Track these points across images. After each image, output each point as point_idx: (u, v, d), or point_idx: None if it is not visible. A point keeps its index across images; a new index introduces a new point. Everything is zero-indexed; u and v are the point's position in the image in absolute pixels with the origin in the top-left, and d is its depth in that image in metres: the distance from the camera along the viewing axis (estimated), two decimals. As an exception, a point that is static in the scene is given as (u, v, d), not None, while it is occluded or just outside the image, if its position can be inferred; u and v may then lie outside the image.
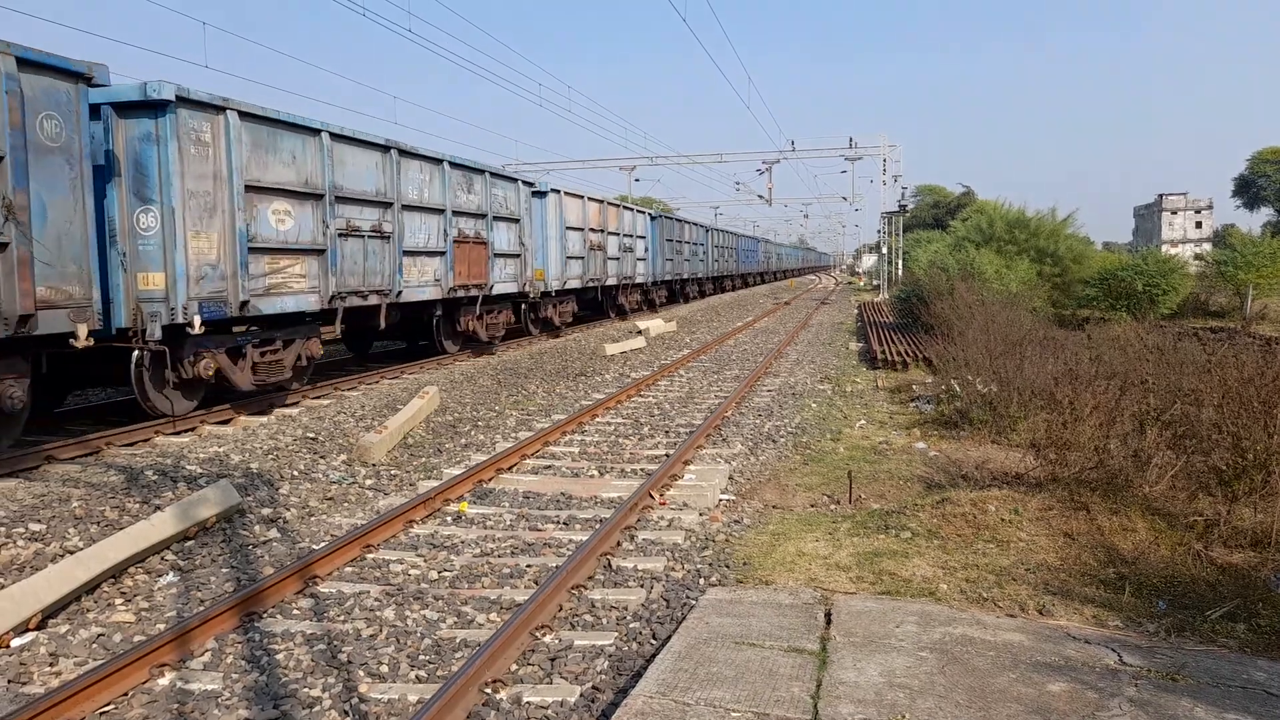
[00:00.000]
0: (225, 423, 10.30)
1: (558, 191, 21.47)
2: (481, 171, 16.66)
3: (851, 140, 42.01)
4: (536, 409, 12.36)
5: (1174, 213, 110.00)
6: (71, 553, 5.96)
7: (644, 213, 29.92)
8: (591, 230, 23.37)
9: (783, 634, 4.53)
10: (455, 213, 15.46)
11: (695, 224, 39.38)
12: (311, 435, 9.76)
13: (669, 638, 4.62)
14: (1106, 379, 7.86)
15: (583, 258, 22.76)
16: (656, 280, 31.36)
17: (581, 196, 23.02)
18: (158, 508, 6.92)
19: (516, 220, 18.32)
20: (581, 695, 4.32)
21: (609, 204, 25.32)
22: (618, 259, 26.03)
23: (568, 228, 21.48)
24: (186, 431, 9.73)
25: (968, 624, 4.71)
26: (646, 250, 29.70)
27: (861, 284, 70.11)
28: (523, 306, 20.01)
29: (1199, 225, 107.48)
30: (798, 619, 4.75)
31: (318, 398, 12.08)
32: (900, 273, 43.68)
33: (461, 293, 15.79)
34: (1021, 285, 21.64)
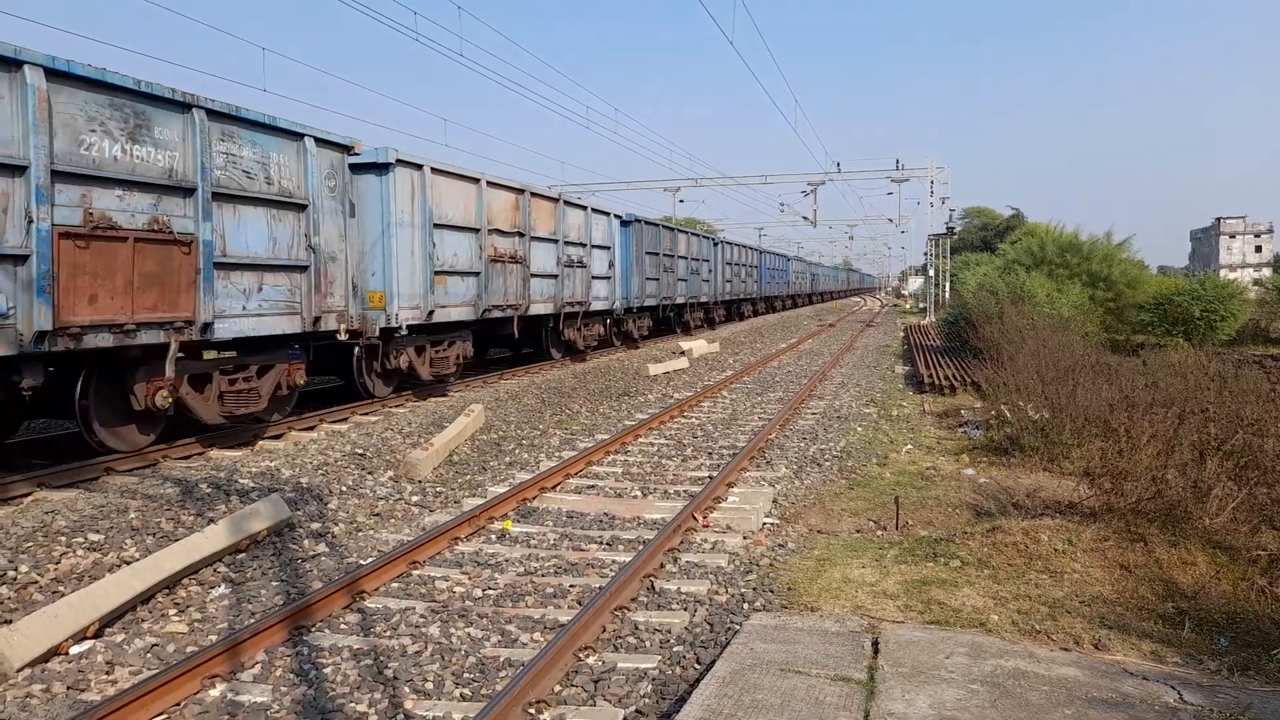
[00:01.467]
0: (278, 437, 10.50)
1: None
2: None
3: (898, 162, 41.67)
4: (580, 428, 12.40)
5: (1232, 236, 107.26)
6: (128, 563, 6.11)
7: (614, 216, 22.24)
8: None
9: (829, 662, 4.47)
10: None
11: (696, 234, 31.31)
12: (360, 451, 9.90)
13: (713, 662, 4.58)
14: (1164, 407, 7.66)
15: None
16: (632, 306, 23.25)
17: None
18: (211, 520, 7.07)
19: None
20: (625, 718, 4.30)
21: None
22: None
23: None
24: (239, 446, 9.94)
25: (1020, 656, 4.60)
26: (613, 266, 21.80)
27: (907, 306, 69.36)
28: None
29: (1259, 249, 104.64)
30: (844, 647, 4.69)
31: (366, 414, 12.26)
32: (947, 296, 43.13)
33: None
34: (1073, 310, 21.24)
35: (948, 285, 44.40)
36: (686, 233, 30.01)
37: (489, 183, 14.77)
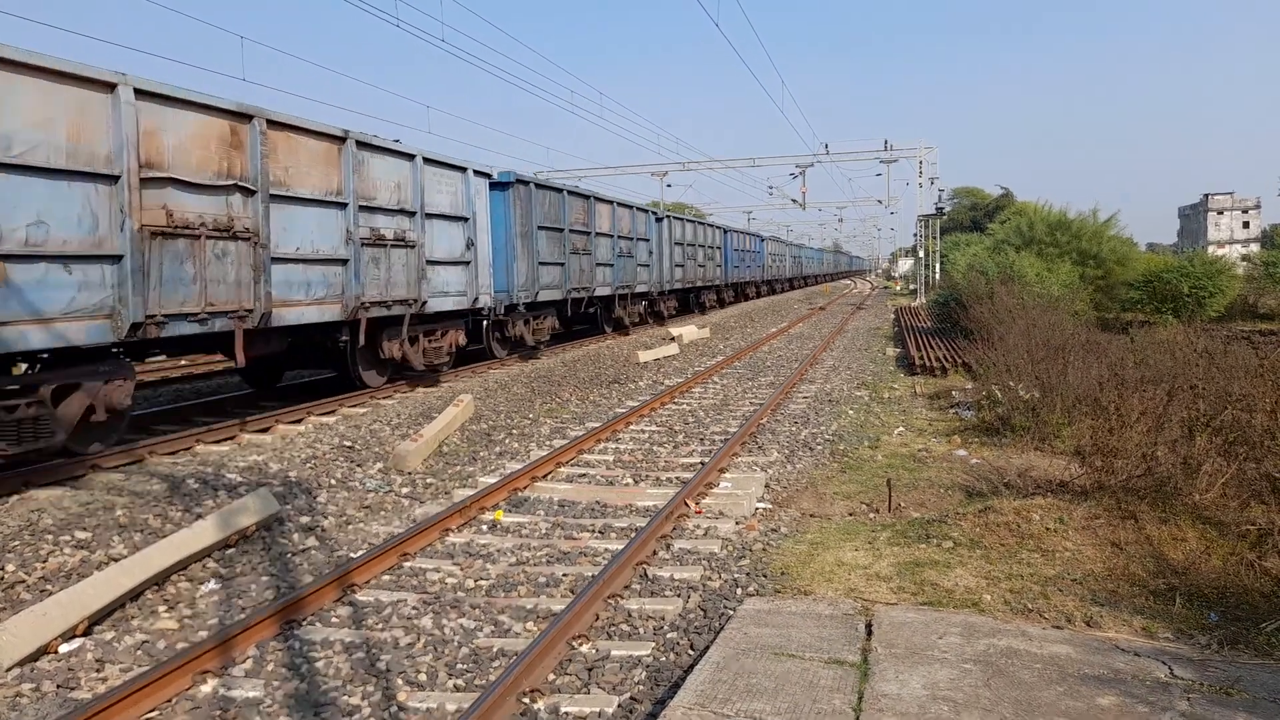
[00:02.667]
0: (265, 431, 10.44)
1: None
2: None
3: (887, 143, 41.59)
4: (570, 417, 12.37)
5: (1220, 213, 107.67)
6: (116, 560, 6.07)
7: (474, 173, 15.58)
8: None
9: (823, 645, 4.47)
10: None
11: (628, 206, 24.18)
12: (348, 444, 9.86)
13: (707, 648, 4.57)
14: (1153, 384, 7.68)
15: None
16: (517, 302, 17.35)
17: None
18: (199, 516, 7.03)
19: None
20: (619, 706, 4.29)
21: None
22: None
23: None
24: (226, 440, 9.88)
25: (1013, 635, 4.61)
26: (472, 246, 15.99)
27: (898, 288, 69.44)
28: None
29: (1246, 225, 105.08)
30: (838, 630, 4.69)
31: (354, 406, 12.20)
32: (937, 277, 43.19)
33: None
34: (1063, 288, 21.29)
35: (938, 266, 44.46)
36: (612, 203, 22.68)
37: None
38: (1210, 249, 54.47)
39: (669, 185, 47.02)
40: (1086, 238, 26.79)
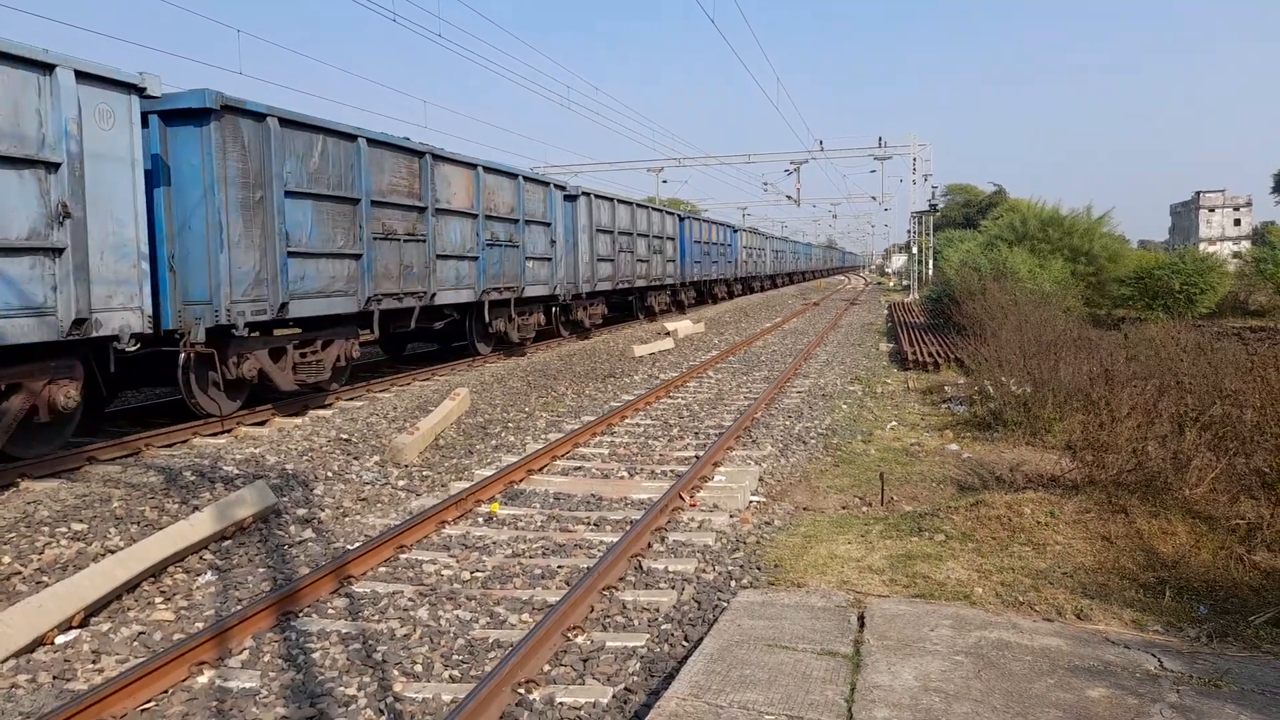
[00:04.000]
0: (262, 424, 10.44)
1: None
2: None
3: (881, 140, 41.65)
4: (566, 410, 12.39)
5: (1212, 210, 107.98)
6: (113, 552, 6.08)
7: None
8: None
9: (815, 637, 4.51)
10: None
11: (532, 179, 18.42)
12: (345, 437, 9.87)
13: (701, 640, 4.61)
14: (1144, 380, 7.73)
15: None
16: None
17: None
18: (196, 508, 7.04)
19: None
20: (614, 696, 4.33)
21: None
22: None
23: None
24: (223, 433, 9.88)
25: (1004, 628, 4.66)
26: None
27: (891, 284, 69.57)
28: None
29: (1237, 223, 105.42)
30: (830, 622, 4.73)
31: (352, 399, 12.21)
32: (930, 273, 43.28)
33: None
34: (1055, 285, 21.38)
35: (931, 262, 44.55)
36: (499, 173, 17.01)
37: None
38: (1202, 246, 54.70)
39: (664, 181, 46.97)
40: (1079, 234, 26.89)
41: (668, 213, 29.13)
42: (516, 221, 16.88)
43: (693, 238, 31.70)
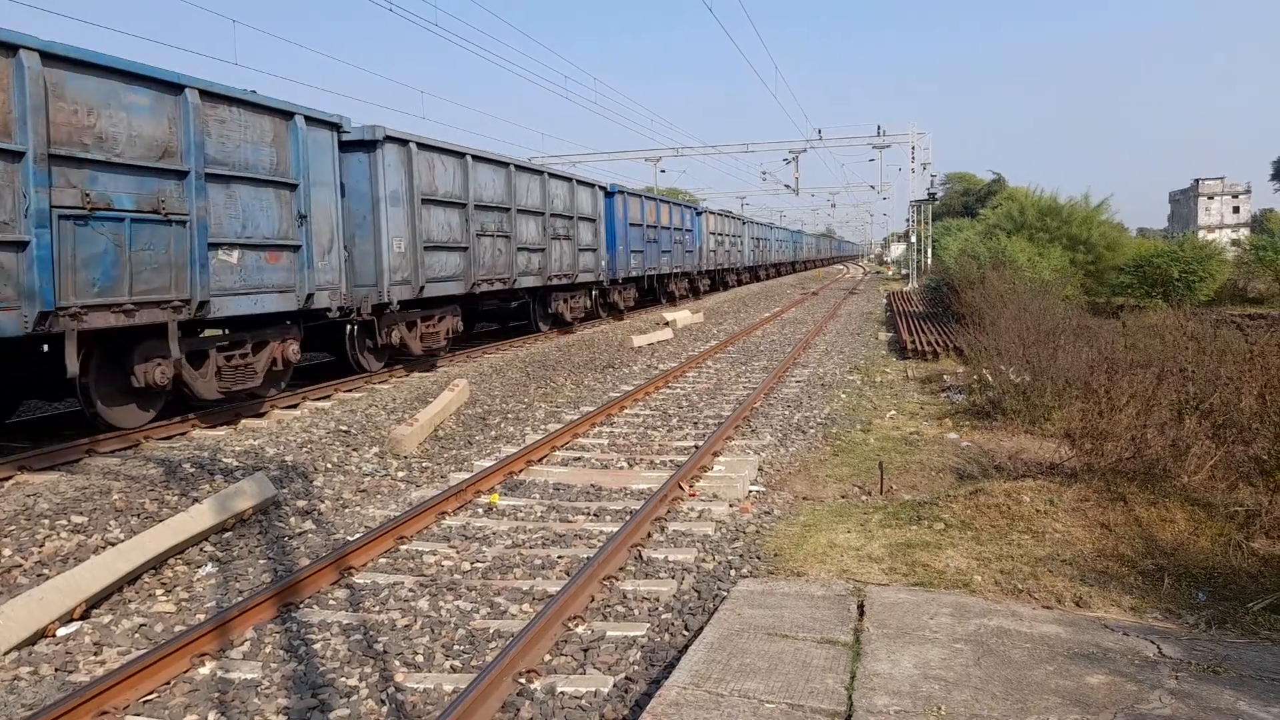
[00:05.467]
0: (261, 415, 10.44)
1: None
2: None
3: (880, 128, 41.47)
4: (565, 401, 12.40)
5: (1210, 197, 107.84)
6: (113, 544, 6.08)
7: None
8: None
9: (815, 625, 4.52)
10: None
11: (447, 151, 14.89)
12: (344, 428, 9.87)
13: (701, 629, 4.62)
14: (1143, 367, 7.73)
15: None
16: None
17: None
18: (196, 500, 7.04)
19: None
20: (615, 685, 4.34)
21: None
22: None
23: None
24: (223, 425, 9.88)
25: (1003, 615, 4.67)
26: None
27: (890, 273, 69.53)
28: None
29: (1236, 210, 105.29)
30: (830, 610, 4.74)
31: (350, 391, 12.20)
32: (929, 262, 43.25)
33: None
34: (1054, 273, 21.37)
35: (930, 251, 44.52)
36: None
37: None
38: (1200, 234, 54.64)
39: (663, 171, 46.89)
40: (1077, 223, 26.86)
41: (586, 184, 21.02)
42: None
43: (628, 219, 23.76)
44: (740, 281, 42.07)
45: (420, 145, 13.19)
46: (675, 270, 28.94)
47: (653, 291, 27.73)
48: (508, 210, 16.13)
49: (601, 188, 21.93)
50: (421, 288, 13.19)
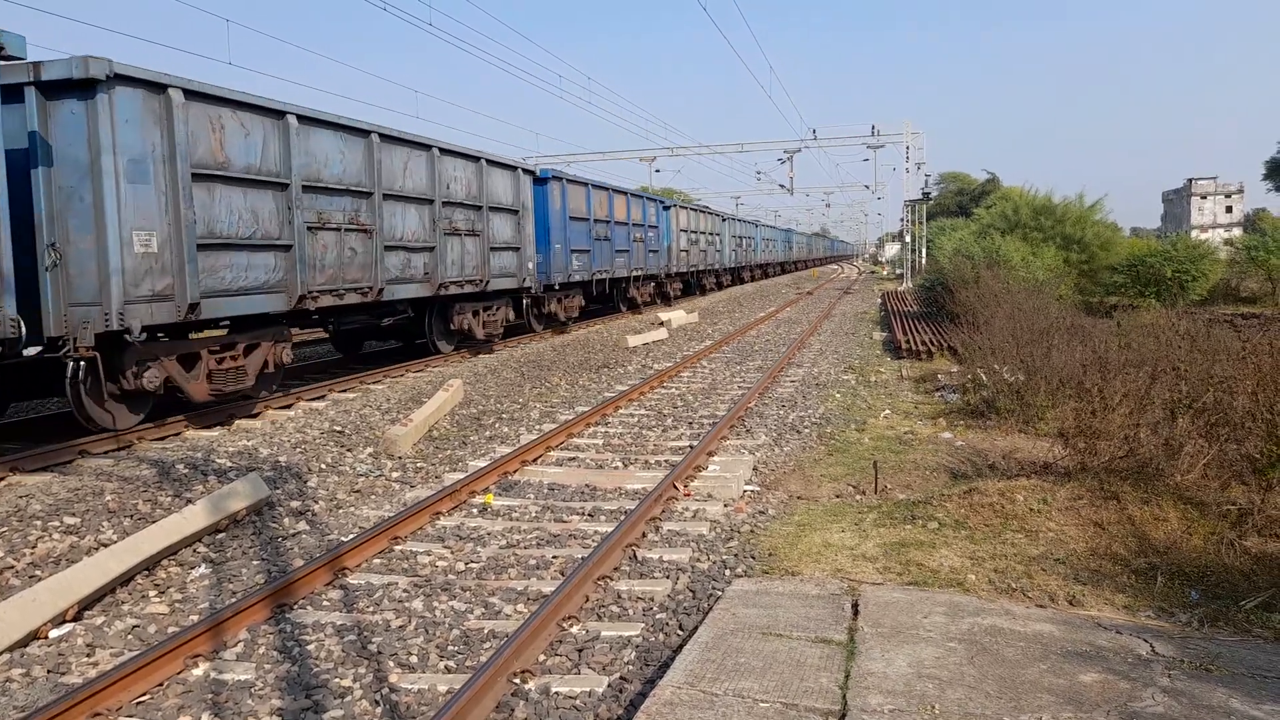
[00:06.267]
0: (255, 416, 10.41)
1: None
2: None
3: (874, 128, 41.58)
4: (560, 401, 12.39)
5: (1203, 197, 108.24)
6: (106, 545, 6.06)
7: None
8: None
9: (810, 625, 4.52)
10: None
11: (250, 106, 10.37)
12: (338, 429, 9.85)
13: (696, 629, 4.62)
14: (1136, 367, 7.75)
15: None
16: None
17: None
18: (189, 501, 7.02)
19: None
20: (609, 685, 4.34)
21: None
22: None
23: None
24: (215, 426, 9.85)
25: (997, 614, 4.68)
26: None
27: (884, 273, 69.62)
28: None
29: (1229, 210, 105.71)
30: (825, 610, 4.74)
31: (344, 391, 12.18)
32: (924, 261, 43.31)
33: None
34: (1048, 272, 21.41)
35: (924, 251, 44.58)
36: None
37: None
38: (1193, 233, 54.81)
39: (657, 171, 46.89)
40: (1071, 222, 26.92)
41: (507, 166, 16.91)
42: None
43: (567, 210, 19.83)
44: (720, 285, 38.44)
45: (193, 94, 9.06)
46: (636, 273, 24.88)
47: (609, 298, 24.13)
48: (368, 195, 12.06)
49: (528, 171, 17.70)
50: (194, 305, 9.00)
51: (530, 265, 17.54)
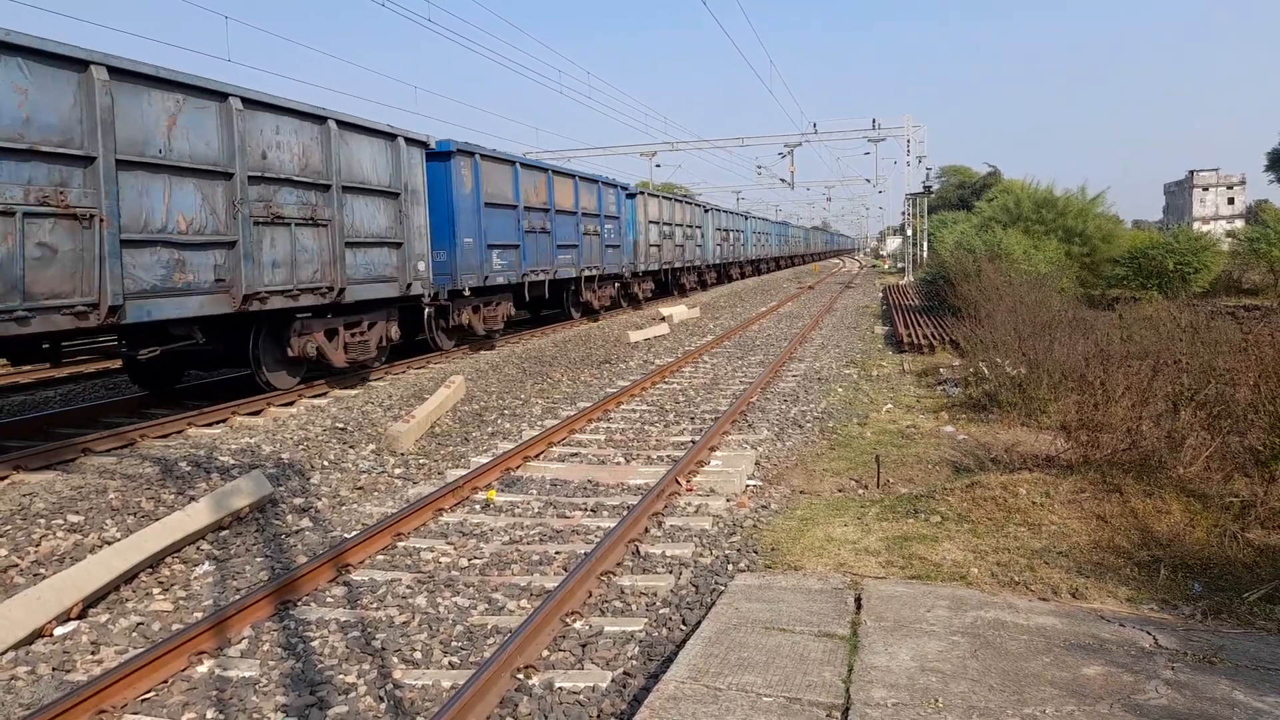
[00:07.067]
0: (257, 413, 10.42)
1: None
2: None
3: (875, 121, 41.50)
4: (562, 397, 12.39)
5: (1205, 189, 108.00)
6: (110, 543, 6.07)
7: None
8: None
9: (813, 619, 4.53)
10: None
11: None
12: (340, 425, 9.86)
13: (699, 623, 4.63)
14: (1139, 359, 7.74)
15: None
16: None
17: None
18: (192, 498, 7.03)
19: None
20: (613, 680, 4.35)
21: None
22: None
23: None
24: (218, 423, 9.86)
25: (1000, 608, 4.68)
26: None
27: (886, 266, 69.57)
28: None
29: (1231, 202, 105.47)
30: (828, 604, 4.75)
31: (346, 388, 12.19)
32: (925, 255, 43.26)
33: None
34: (1050, 265, 21.37)
35: (925, 244, 44.52)
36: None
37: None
38: (1195, 225, 54.68)
39: (658, 165, 46.80)
40: (1073, 215, 26.85)
41: (299, 113, 11.01)
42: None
43: (479, 196, 15.36)
44: (704, 284, 34.46)
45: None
46: (589, 272, 20.43)
47: (553, 302, 20.00)
48: (85, 163, 7.71)
49: (415, 142, 13.05)
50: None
51: (422, 266, 13.09)
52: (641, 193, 24.47)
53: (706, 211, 33.85)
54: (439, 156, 14.22)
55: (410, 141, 12.96)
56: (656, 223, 26.16)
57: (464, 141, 14.63)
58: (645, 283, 25.21)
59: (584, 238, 19.95)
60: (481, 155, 15.21)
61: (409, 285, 12.83)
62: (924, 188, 47.49)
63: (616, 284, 22.64)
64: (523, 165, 17.13)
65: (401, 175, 12.68)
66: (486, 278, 15.45)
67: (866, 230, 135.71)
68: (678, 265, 29.67)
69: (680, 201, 29.13)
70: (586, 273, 20.17)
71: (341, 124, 11.40)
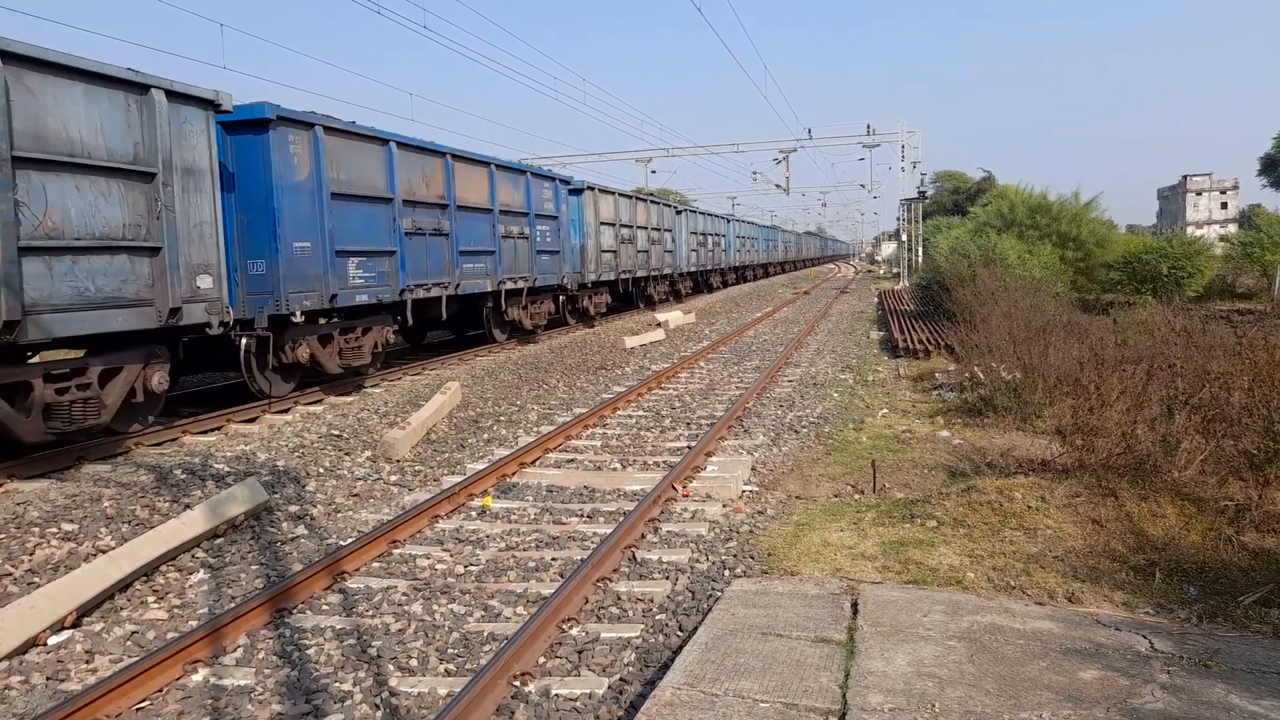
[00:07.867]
0: (252, 421, 10.40)
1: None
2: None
3: (869, 127, 41.65)
4: (558, 402, 12.38)
5: (1199, 194, 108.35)
6: (104, 552, 6.05)
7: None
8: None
9: (809, 624, 4.52)
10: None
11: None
12: (336, 432, 9.84)
13: (695, 629, 4.62)
14: (1133, 363, 7.77)
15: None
16: None
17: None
18: (187, 506, 7.01)
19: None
20: (609, 687, 4.34)
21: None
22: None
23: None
24: (213, 431, 9.84)
25: (996, 612, 4.68)
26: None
27: (881, 272, 69.69)
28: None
29: (1224, 206, 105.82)
30: (824, 609, 4.74)
31: (341, 395, 12.16)
32: (920, 260, 43.35)
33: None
34: (1044, 270, 21.42)
35: (920, 250, 44.62)
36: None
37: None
38: (1189, 230, 54.85)
39: (653, 171, 46.84)
40: (1067, 220, 26.92)
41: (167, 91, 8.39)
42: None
43: (322, 186, 11.08)
44: (677, 294, 30.31)
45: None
46: (510, 284, 16.25)
47: (459, 324, 16.29)
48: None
49: (202, 101, 8.89)
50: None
51: (207, 282, 9.07)
52: (590, 188, 20.72)
53: (679, 213, 29.94)
54: (248, 126, 10.02)
55: (179, 97, 8.56)
56: (611, 224, 22.20)
57: (301, 110, 10.57)
58: (598, 294, 21.43)
59: (503, 242, 15.76)
60: (326, 128, 10.89)
61: (175, 311, 8.57)
62: (919, 193, 47.62)
63: (549, 298, 18.56)
64: (402, 146, 12.64)
65: (159, 147, 8.37)
66: (335, 296, 11.15)
67: (862, 235, 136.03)
68: (641, 274, 25.29)
69: (644, 201, 24.87)
70: (509, 285, 15.93)
71: (26, 60, 7.19)
